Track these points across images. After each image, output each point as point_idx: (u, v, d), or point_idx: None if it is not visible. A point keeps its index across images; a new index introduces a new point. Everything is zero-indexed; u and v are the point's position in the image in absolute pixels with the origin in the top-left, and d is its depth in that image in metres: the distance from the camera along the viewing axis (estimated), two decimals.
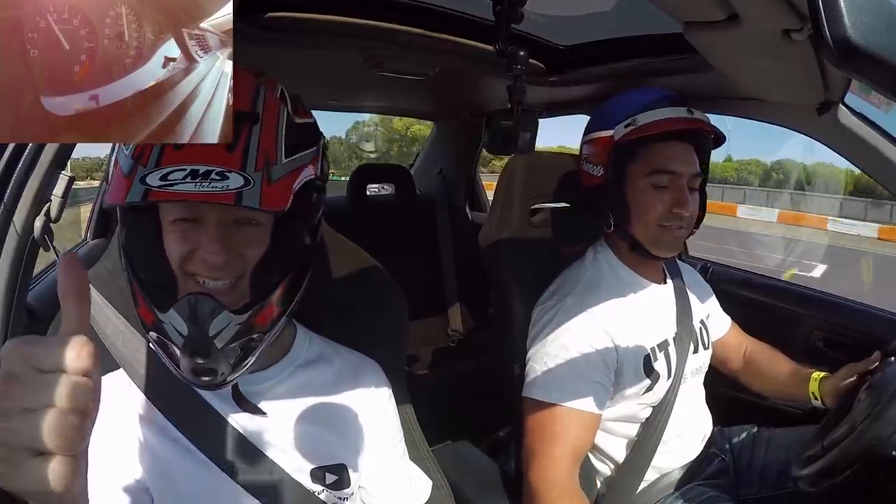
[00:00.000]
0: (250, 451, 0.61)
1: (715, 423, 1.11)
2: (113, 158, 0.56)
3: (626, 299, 0.97)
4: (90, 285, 0.62)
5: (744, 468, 1.07)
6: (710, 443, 1.08)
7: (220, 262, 0.54)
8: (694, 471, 1.03)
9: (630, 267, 1.01)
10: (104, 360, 0.62)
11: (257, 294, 0.56)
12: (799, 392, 1.03)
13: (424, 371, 1.73)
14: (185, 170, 0.48)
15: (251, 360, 0.56)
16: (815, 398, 1.00)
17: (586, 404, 0.90)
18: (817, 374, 1.02)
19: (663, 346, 0.97)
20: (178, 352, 0.53)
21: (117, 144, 0.55)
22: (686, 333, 1.01)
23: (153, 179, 0.48)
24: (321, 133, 0.61)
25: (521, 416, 0.94)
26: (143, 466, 0.60)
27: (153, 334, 0.54)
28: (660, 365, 0.95)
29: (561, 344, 0.92)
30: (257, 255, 0.57)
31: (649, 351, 0.95)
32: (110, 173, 0.54)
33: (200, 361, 0.53)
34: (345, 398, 0.68)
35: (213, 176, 0.48)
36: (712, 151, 1.01)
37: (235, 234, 0.55)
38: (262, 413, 0.62)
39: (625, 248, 1.00)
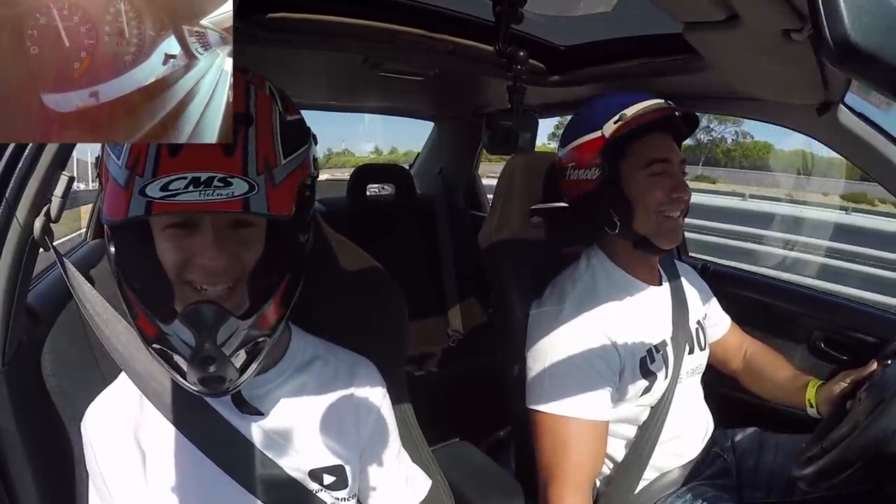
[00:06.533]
0: (250, 452, 0.61)
1: (716, 423, 1.10)
2: (101, 167, 0.54)
3: (622, 302, 0.97)
4: (91, 286, 0.62)
5: (749, 471, 1.07)
6: (712, 443, 1.07)
7: (219, 266, 0.53)
8: (695, 470, 1.03)
9: (625, 270, 1.00)
10: (106, 363, 0.63)
11: (256, 297, 0.56)
12: (796, 398, 1.03)
13: (424, 371, 1.72)
14: (185, 178, 0.46)
15: (257, 363, 0.56)
16: (811, 405, 1.01)
17: (599, 413, 0.90)
18: (815, 382, 1.02)
19: (660, 347, 0.97)
20: (183, 362, 0.53)
21: (105, 150, 0.53)
22: (682, 334, 1.01)
23: (153, 190, 0.46)
24: (308, 128, 0.60)
25: (531, 428, 0.94)
26: (142, 467, 0.60)
27: (156, 346, 0.53)
28: (656, 366, 0.95)
29: (564, 353, 0.92)
30: (254, 257, 0.56)
31: (646, 353, 0.95)
32: (102, 183, 0.52)
33: (211, 370, 0.52)
34: (341, 399, 0.68)
35: (215, 183, 0.47)
36: None
37: (232, 238, 0.54)
38: (262, 415, 0.62)
39: (621, 250, 1.00)
